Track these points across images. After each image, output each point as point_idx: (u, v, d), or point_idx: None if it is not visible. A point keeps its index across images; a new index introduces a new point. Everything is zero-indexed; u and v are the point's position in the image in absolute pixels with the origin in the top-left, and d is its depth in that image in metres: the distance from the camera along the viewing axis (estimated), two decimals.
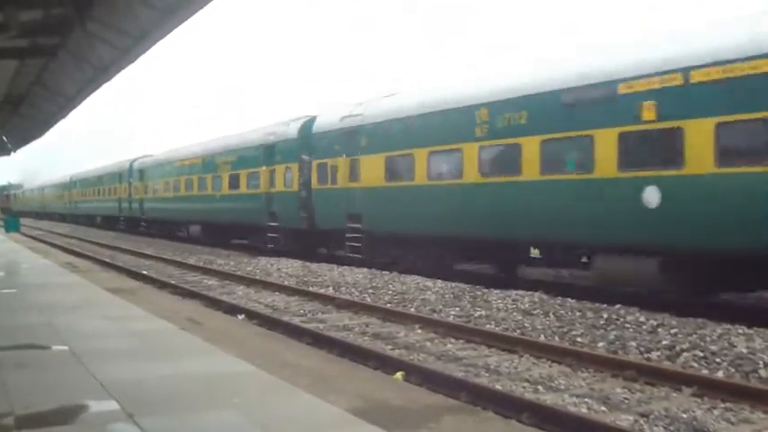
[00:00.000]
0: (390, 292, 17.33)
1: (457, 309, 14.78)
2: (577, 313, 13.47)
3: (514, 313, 13.98)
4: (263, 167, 29.54)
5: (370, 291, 17.69)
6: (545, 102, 16.27)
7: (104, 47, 14.74)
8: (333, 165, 24.29)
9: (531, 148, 16.54)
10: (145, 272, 23.12)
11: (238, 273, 22.56)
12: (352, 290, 18.05)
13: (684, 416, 7.94)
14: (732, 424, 7.77)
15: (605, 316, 13.00)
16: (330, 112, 25.87)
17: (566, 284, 16.95)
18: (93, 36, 14.08)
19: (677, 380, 9.21)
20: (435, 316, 14.24)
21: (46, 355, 8.84)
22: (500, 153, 17.87)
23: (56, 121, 28.71)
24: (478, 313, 14.19)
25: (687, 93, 13.40)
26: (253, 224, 30.86)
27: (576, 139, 15.48)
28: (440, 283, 17.77)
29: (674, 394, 8.88)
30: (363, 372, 8.75)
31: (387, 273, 20.17)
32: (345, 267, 22.03)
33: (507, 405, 8.06)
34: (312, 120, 26.95)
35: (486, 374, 9.97)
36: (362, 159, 22.80)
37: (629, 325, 12.32)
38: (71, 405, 6.43)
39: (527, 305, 14.50)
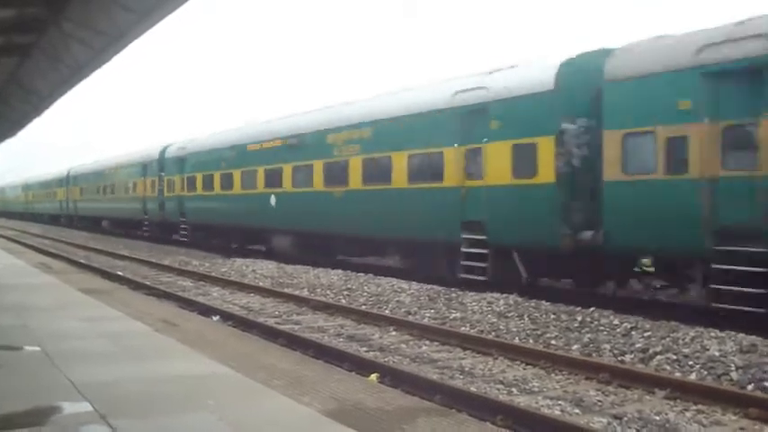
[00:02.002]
0: (365, 293, 17.33)
1: (432, 311, 14.81)
2: (552, 316, 13.54)
3: (489, 315, 14.03)
4: (455, 146, 17.77)
5: (345, 292, 17.68)
6: None
7: (80, 47, 14.64)
8: (675, 136, 13.27)
9: None
10: (120, 273, 22.94)
11: (213, 274, 22.47)
12: (327, 291, 18.03)
13: (657, 418, 8.01)
14: (704, 426, 7.85)
15: (579, 319, 13.08)
16: (652, 43, 14.66)
17: (540, 287, 17.01)
18: (69, 36, 13.98)
19: (650, 382, 9.29)
20: (410, 318, 14.26)
21: (18, 356, 8.77)
22: None
23: (29, 120, 28.49)
24: (453, 315, 14.23)
25: None
26: (423, 238, 19.22)
27: None
28: (415, 285, 17.78)
29: (648, 396, 8.95)
30: (338, 373, 8.73)
31: (362, 274, 20.14)
32: (320, 269, 21.96)
33: (482, 407, 8.10)
34: (591, 58, 15.49)
35: (461, 376, 10.00)
36: None
37: (602, 328, 12.40)
38: (44, 406, 6.39)
39: (502, 308, 14.55)
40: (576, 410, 8.39)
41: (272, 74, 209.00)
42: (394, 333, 13.13)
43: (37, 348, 8.96)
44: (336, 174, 22.50)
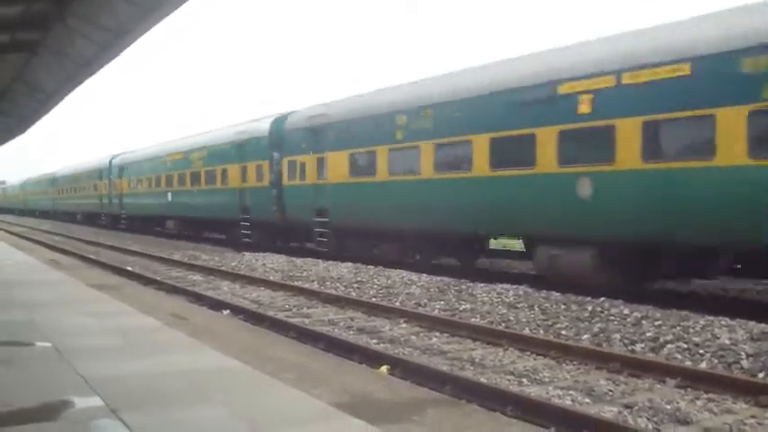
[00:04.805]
0: (375, 286, 17.34)
1: (442, 302, 14.80)
2: (562, 306, 13.52)
3: (499, 306, 14.01)
4: (236, 164, 30.72)
5: (356, 285, 17.69)
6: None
7: (85, 43, 14.68)
8: (303, 162, 25.47)
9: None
10: (129, 268, 23.00)
11: (223, 268, 22.49)
12: (338, 284, 18.04)
13: (668, 407, 7.98)
14: (715, 414, 7.82)
15: (590, 309, 13.05)
16: (300, 111, 27.26)
17: (548, 280, 16.96)
18: (74, 32, 14.01)
19: (661, 371, 9.27)
20: (420, 310, 14.25)
21: (29, 351, 8.80)
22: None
23: (38, 118, 28.59)
24: (463, 307, 14.22)
25: None
26: (227, 218, 32.02)
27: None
28: (425, 277, 17.78)
29: (658, 386, 8.93)
30: (348, 366, 8.74)
31: (372, 267, 20.15)
32: (331, 262, 22.00)
33: (492, 398, 8.08)
34: (283, 117, 27.84)
35: (471, 368, 9.99)
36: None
37: (613, 317, 12.37)
38: (55, 401, 6.40)
39: (512, 298, 14.53)
40: (587, 400, 8.37)
41: (272, 72, 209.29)
42: (404, 325, 13.12)
43: (47, 344, 8.98)
44: (193, 178, 36.15)
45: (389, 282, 17.62)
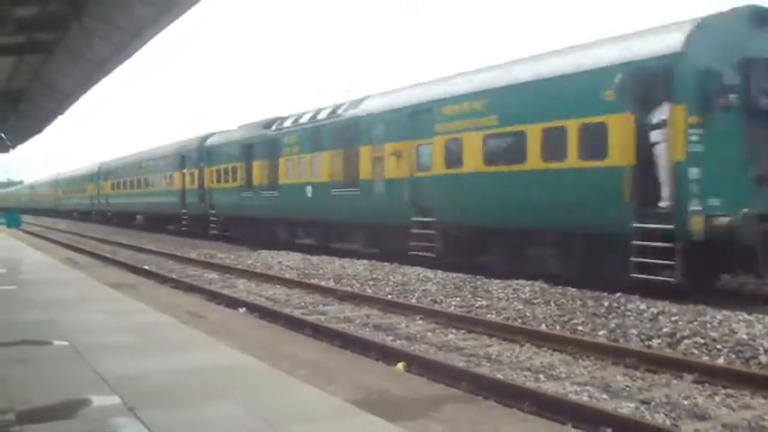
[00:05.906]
0: (391, 283, 17.33)
1: (458, 299, 14.79)
2: (578, 302, 13.48)
3: (515, 303, 13.99)
4: (94, 184, 61.26)
5: (371, 282, 17.69)
6: None
7: (101, 43, 14.72)
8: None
9: None
10: (146, 267, 23.10)
11: (239, 266, 22.55)
12: (353, 281, 18.05)
13: (686, 402, 7.96)
14: (733, 410, 7.78)
15: (606, 304, 13.01)
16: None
17: (566, 274, 16.90)
18: (90, 32, 14.06)
19: (678, 367, 9.23)
20: (436, 306, 14.25)
21: (47, 350, 8.85)
22: None
23: (54, 117, 28.72)
24: (479, 303, 14.20)
25: None
26: (86, 209, 64.76)
27: None
28: (440, 273, 17.77)
29: (675, 381, 8.89)
30: (364, 363, 8.75)
31: (387, 264, 20.15)
32: (346, 259, 22.01)
33: (508, 394, 8.06)
34: (106, 163, 59.82)
35: (488, 364, 9.99)
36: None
37: (629, 313, 12.33)
38: (73, 399, 6.45)
39: (528, 294, 14.50)
40: (604, 396, 8.35)
41: (274, 72, 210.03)
42: (420, 322, 13.12)
43: (65, 342, 9.04)
44: (77, 189, 70.58)
45: (405, 278, 17.62)
